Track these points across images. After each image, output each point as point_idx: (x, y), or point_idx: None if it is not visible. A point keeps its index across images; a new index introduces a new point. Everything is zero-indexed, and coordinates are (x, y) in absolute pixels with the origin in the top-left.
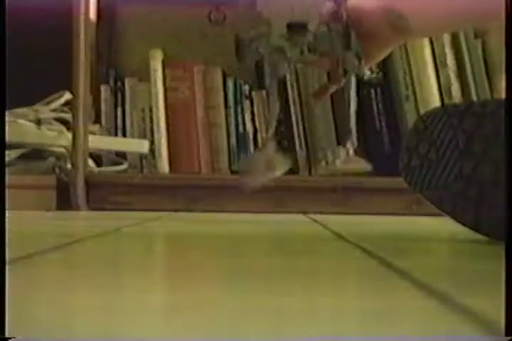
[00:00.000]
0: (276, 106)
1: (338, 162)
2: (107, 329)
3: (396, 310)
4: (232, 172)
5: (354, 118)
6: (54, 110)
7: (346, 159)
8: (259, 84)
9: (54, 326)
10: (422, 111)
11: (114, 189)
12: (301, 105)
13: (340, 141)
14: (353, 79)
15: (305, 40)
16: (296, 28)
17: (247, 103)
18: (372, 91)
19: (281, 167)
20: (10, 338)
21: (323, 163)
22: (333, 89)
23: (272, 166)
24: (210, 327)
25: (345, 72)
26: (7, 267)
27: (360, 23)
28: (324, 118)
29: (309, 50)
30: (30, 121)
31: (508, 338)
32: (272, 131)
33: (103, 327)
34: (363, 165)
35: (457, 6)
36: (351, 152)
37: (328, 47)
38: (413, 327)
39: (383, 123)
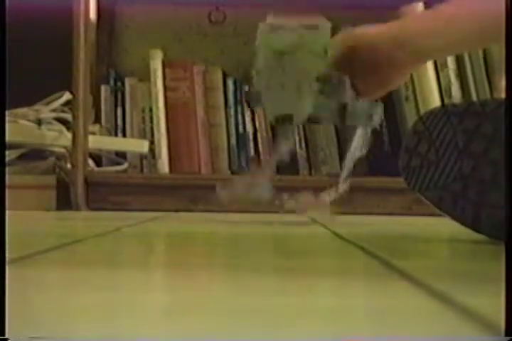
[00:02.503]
0: (282, 149)
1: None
2: (106, 330)
3: (396, 310)
4: (232, 172)
5: (350, 166)
6: (54, 110)
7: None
8: None
9: (54, 326)
10: (422, 111)
11: (114, 189)
12: None
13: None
14: (359, 132)
15: (292, 129)
16: (283, 121)
17: (247, 103)
18: None
19: (262, 197)
20: (10, 338)
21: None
22: None
23: (256, 193)
24: (210, 327)
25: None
26: (7, 267)
27: (375, 53)
28: None
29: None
30: (30, 121)
31: (508, 338)
32: (273, 162)
33: (103, 327)
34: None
35: (470, 27)
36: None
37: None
38: (413, 327)
39: (383, 123)
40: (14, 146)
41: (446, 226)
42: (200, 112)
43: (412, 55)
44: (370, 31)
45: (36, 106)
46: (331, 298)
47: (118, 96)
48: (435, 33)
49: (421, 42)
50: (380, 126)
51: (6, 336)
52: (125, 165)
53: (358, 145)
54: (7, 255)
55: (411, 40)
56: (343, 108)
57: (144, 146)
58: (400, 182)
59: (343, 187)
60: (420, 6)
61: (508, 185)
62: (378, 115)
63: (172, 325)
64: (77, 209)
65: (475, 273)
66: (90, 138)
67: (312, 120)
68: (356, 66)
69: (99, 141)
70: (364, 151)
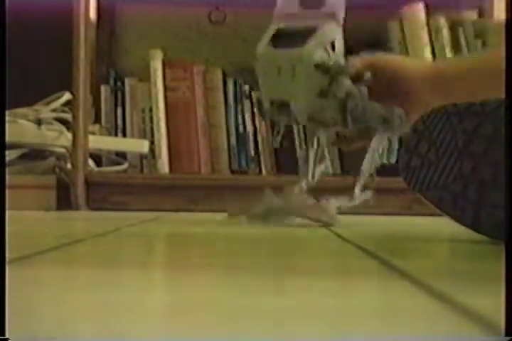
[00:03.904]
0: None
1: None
2: (106, 329)
3: (396, 310)
4: (232, 172)
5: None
6: (54, 110)
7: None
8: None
9: (54, 326)
10: None
11: (114, 189)
12: None
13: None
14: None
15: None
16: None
17: (247, 103)
18: None
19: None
20: (10, 338)
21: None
22: (358, 145)
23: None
24: (210, 327)
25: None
26: (7, 267)
27: (406, 85)
28: None
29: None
30: (30, 121)
31: (508, 338)
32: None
33: (103, 327)
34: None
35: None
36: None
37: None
38: (413, 327)
39: None
40: (14, 146)
41: (446, 226)
42: (200, 112)
43: (439, 97)
44: (410, 65)
45: (36, 106)
46: (330, 298)
47: (118, 96)
48: (467, 82)
49: (453, 89)
50: None
51: (6, 336)
52: (125, 165)
53: (374, 151)
54: (7, 255)
55: (446, 85)
56: (343, 106)
57: (144, 146)
58: (400, 182)
59: (360, 197)
60: (420, 6)
61: (508, 185)
62: (399, 120)
63: (172, 325)
64: (77, 209)
65: (475, 273)
66: (90, 138)
67: (313, 119)
68: (380, 87)
69: (99, 141)
70: (386, 160)
